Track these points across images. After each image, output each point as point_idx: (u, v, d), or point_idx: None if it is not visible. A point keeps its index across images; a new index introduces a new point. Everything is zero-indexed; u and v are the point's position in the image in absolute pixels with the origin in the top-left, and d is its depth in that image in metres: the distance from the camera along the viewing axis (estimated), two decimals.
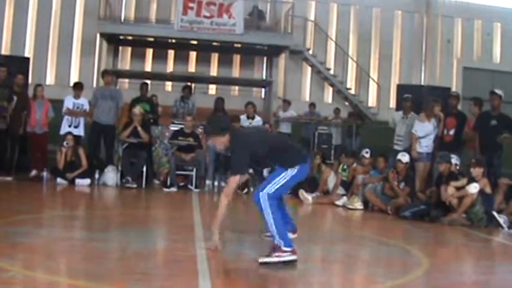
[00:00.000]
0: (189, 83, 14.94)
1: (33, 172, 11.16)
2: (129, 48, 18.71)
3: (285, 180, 5.29)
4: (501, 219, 8.37)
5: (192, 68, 18.80)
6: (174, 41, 17.88)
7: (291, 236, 5.47)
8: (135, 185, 10.87)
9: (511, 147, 10.37)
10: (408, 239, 7.52)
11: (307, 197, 10.45)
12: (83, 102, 11.83)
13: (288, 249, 5.01)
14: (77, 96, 11.81)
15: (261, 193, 5.15)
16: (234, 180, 5.31)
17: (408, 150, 10.45)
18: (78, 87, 12.00)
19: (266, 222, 5.16)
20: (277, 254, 4.99)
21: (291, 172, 5.31)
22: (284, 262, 4.95)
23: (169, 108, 13.34)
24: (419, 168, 10.33)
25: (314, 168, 11.39)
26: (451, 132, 10.48)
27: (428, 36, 20.09)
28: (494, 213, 8.43)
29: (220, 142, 5.41)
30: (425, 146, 10.48)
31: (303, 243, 6.38)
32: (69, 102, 11.74)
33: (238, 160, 5.34)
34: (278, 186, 5.25)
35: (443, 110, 10.73)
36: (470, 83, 19.82)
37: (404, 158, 9.76)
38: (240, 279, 4.54)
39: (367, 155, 10.78)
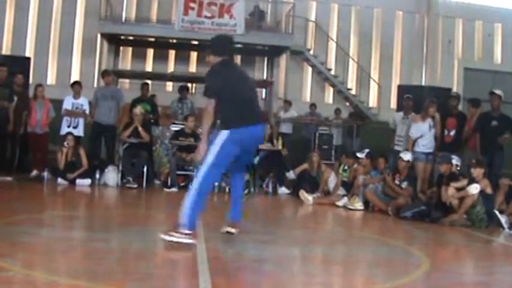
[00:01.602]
0: (187, 83, 14.92)
1: (34, 172, 11.16)
2: (130, 48, 18.72)
3: (218, 147, 5.34)
4: (503, 218, 8.37)
5: (193, 68, 18.81)
6: (175, 41, 17.88)
7: (230, 229, 5.78)
8: (135, 185, 10.87)
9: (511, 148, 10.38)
10: (409, 240, 7.51)
11: (308, 197, 10.45)
12: (83, 102, 11.82)
13: (188, 231, 5.18)
14: (76, 95, 11.80)
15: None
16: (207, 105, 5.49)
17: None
18: (76, 85, 11.99)
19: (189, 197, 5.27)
20: (177, 234, 5.17)
21: (223, 136, 5.37)
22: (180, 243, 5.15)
23: (169, 109, 13.35)
24: (419, 169, 10.33)
25: (313, 168, 11.40)
26: (452, 132, 10.49)
27: (429, 37, 20.07)
28: (496, 212, 8.43)
29: (208, 61, 5.65)
30: (422, 145, 10.47)
31: (303, 243, 6.39)
32: (68, 103, 11.74)
33: (207, 84, 5.54)
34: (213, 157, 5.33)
35: (440, 110, 10.73)
36: (471, 83, 19.82)
37: (405, 156, 9.75)
38: (240, 280, 4.53)
39: (362, 155, 10.69)
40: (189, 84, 15.72)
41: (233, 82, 5.59)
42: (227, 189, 11.23)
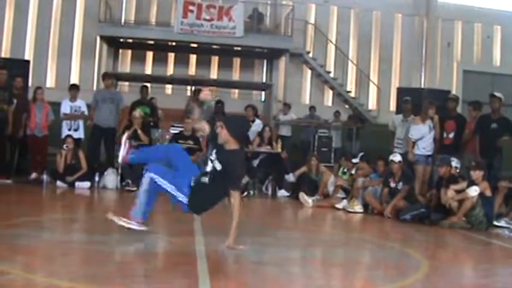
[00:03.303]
0: (200, 87, 14.85)
1: (33, 175, 11.16)
2: (129, 51, 18.74)
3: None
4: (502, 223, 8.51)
5: (192, 71, 18.83)
6: (174, 44, 17.91)
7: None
8: (135, 188, 10.83)
9: (511, 150, 10.38)
10: (408, 242, 7.51)
11: (308, 200, 10.45)
12: (80, 104, 11.85)
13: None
14: (73, 99, 11.82)
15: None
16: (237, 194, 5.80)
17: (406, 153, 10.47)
18: (74, 89, 12.00)
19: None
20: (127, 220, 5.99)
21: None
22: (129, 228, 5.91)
23: (169, 111, 13.33)
24: (419, 171, 10.33)
25: (312, 170, 11.41)
26: (451, 135, 10.49)
27: (429, 39, 20.10)
28: (496, 223, 8.60)
29: (226, 138, 5.71)
30: (422, 148, 10.48)
31: (303, 246, 6.38)
32: (65, 107, 11.76)
33: (238, 175, 5.83)
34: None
35: (439, 112, 10.74)
36: (470, 86, 19.86)
37: (396, 158, 9.74)
38: (239, 282, 4.53)
39: (357, 160, 10.69)
40: (187, 87, 15.68)
41: None
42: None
